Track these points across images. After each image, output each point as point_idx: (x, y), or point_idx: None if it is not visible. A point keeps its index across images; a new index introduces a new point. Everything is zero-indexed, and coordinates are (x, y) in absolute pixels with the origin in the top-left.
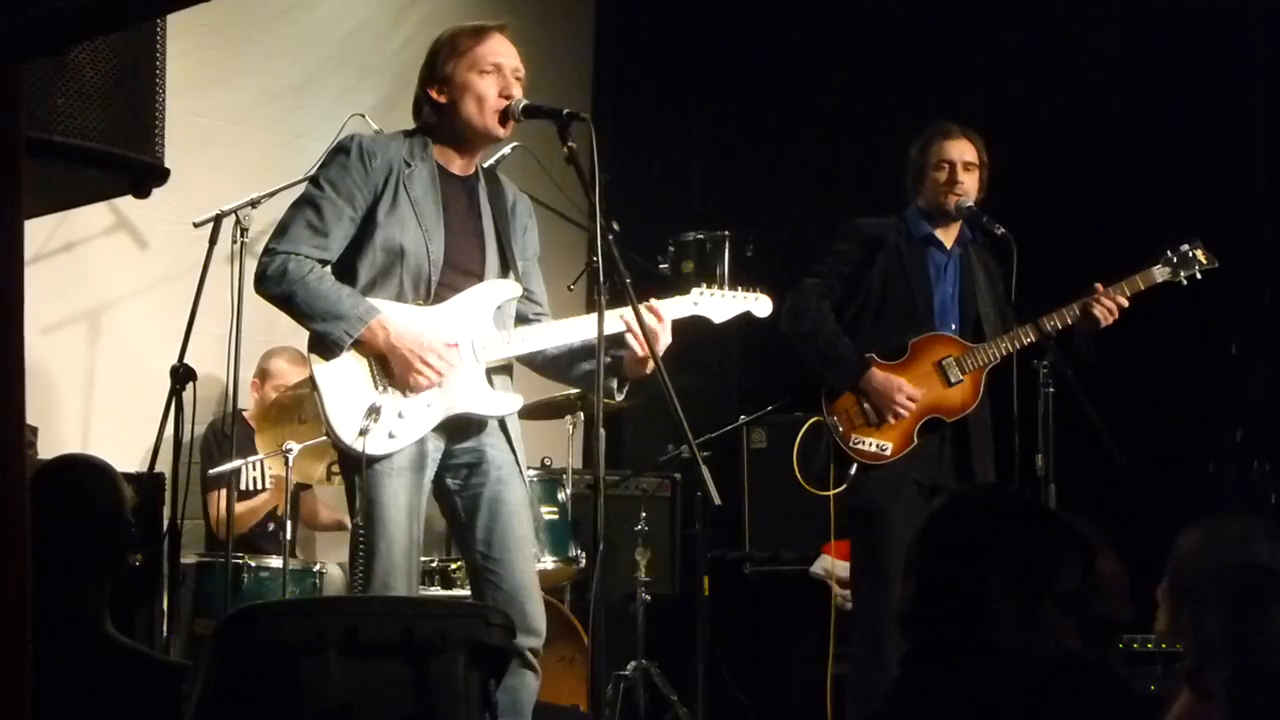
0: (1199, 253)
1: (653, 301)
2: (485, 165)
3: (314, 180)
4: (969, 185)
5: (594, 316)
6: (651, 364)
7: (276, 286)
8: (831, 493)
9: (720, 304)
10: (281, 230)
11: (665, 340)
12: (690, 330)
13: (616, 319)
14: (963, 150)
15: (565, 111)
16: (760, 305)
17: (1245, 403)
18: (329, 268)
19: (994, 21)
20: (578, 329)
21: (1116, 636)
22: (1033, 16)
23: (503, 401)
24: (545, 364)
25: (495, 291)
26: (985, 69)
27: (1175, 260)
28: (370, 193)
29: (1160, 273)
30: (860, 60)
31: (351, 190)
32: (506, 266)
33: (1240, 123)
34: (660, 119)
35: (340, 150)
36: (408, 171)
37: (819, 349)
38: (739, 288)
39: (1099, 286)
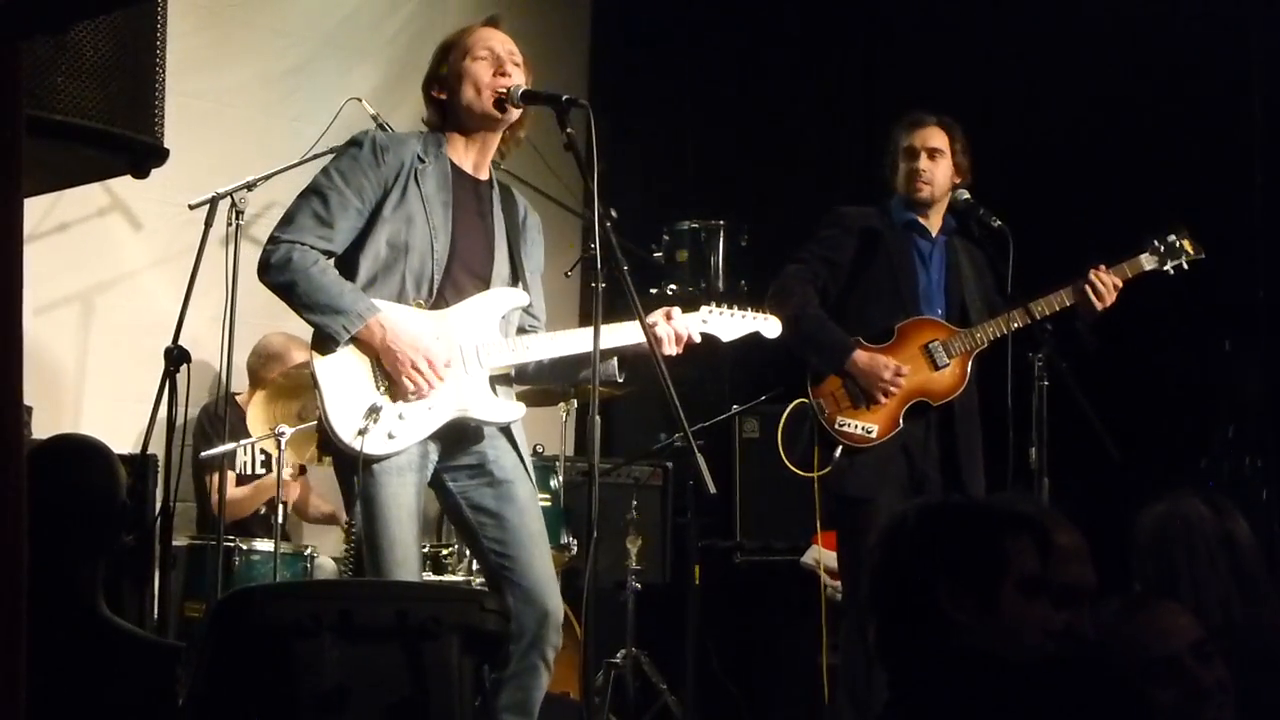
0: (1185, 243)
1: (673, 311)
2: None
3: (324, 171)
4: (936, 174)
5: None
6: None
7: (280, 275)
8: (815, 474)
9: (729, 323)
10: (288, 219)
11: (670, 348)
12: None
13: (629, 331)
14: (927, 137)
15: (564, 98)
16: (769, 326)
17: (1238, 399)
18: (333, 260)
19: (992, 10)
20: (582, 339)
21: (1084, 603)
22: (1032, 6)
23: (505, 409)
24: (540, 371)
25: (503, 300)
26: (983, 58)
27: (1162, 250)
28: (380, 187)
29: (1148, 261)
30: (857, 48)
31: (361, 183)
32: (516, 276)
33: (1235, 116)
34: (655, 107)
35: (353, 143)
36: (421, 167)
37: (803, 332)
38: (749, 308)
39: (1101, 267)
